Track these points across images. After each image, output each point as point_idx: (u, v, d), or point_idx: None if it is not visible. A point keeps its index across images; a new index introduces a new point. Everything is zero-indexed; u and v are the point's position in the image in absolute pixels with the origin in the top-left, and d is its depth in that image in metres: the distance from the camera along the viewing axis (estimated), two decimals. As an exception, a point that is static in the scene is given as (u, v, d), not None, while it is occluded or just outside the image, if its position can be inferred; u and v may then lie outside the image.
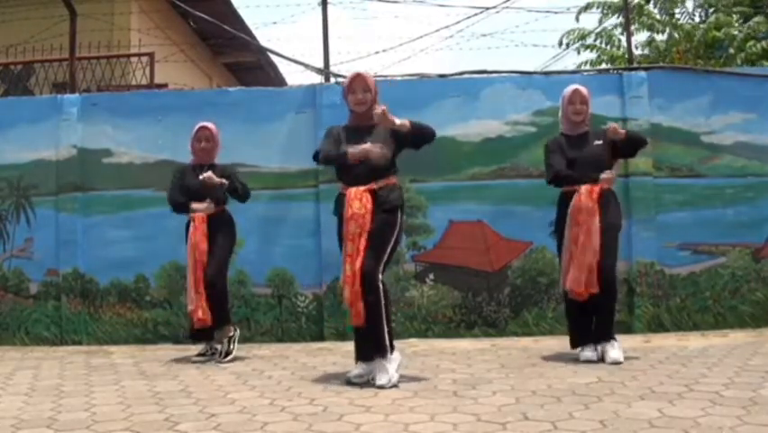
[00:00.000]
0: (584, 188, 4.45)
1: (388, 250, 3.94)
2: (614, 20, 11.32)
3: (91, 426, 3.10)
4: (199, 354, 5.02)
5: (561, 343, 5.21)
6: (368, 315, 3.84)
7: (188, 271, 4.95)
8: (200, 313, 4.86)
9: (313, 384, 3.95)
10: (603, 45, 11.29)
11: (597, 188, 4.46)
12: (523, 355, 4.84)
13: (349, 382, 3.88)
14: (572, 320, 4.64)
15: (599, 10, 11.39)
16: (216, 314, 4.90)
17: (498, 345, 5.43)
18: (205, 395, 3.71)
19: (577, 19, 11.36)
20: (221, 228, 5.02)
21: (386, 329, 3.88)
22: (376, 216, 3.89)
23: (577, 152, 4.56)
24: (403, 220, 4.08)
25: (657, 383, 3.67)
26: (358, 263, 3.81)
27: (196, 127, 5.13)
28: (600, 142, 4.60)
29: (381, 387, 3.74)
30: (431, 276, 6.04)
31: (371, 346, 3.88)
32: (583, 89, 4.67)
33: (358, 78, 4.08)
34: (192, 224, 4.95)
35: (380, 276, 3.88)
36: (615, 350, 4.40)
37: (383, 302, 3.87)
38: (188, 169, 5.15)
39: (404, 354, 4.22)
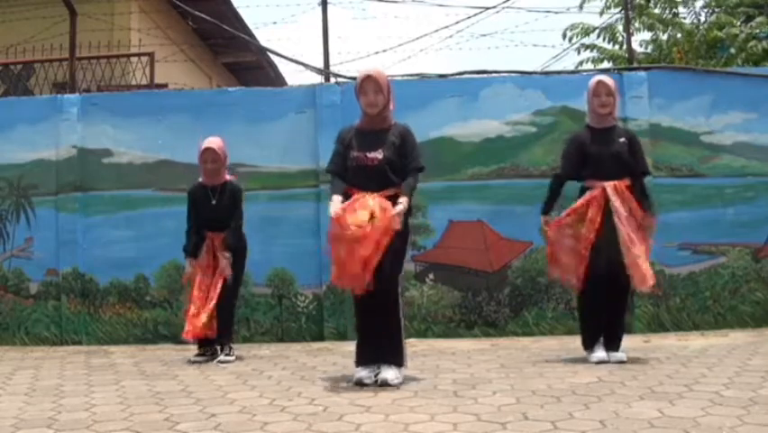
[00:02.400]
0: (609, 187, 4.32)
1: (403, 261, 4.05)
2: (616, 15, 11.22)
3: (91, 426, 3.10)
4: (199, 354, 5.02)
5: (561, 343, 5.21)
6: (387, 325, 3.88)
7: (195, 287, 4.97)
8: (207, 331, 4.91)
9: (313, 384, 3.95)
10: (606, 42, 11.20)
11: (621, 186, 4.34)
12: (523, 355, 4.84)
13: (360, 384, 3.83)
14: (585, 321, 4.50)
15: (603, 1, 11.25)
16: (222, 332, 4.95)
17: (498, 345, 5.43)
18: (206, 395, 3.71)
19: (581, 7, 11.21)
20: (238, 251, 5.05)
21: (403, 341, 3.93)
22: None
23: (600, 147, 4.42)
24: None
25: (657, 383, 3.67)
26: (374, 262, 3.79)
27: (202, 148, 5.01)
28: (624, 140, 4.46)
29: (385, 381, 3.76)
30: (431, 276, 6.03)
31: (385, 355, 3.88)
32: (608, 80, 4.48)
33: (368, 79, 3.94)
34: (210, 243, 4.98)
35: (400, 289, 3.98)
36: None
37: (401, 314, 3.95)
38: (198, 189, 5.09)
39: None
